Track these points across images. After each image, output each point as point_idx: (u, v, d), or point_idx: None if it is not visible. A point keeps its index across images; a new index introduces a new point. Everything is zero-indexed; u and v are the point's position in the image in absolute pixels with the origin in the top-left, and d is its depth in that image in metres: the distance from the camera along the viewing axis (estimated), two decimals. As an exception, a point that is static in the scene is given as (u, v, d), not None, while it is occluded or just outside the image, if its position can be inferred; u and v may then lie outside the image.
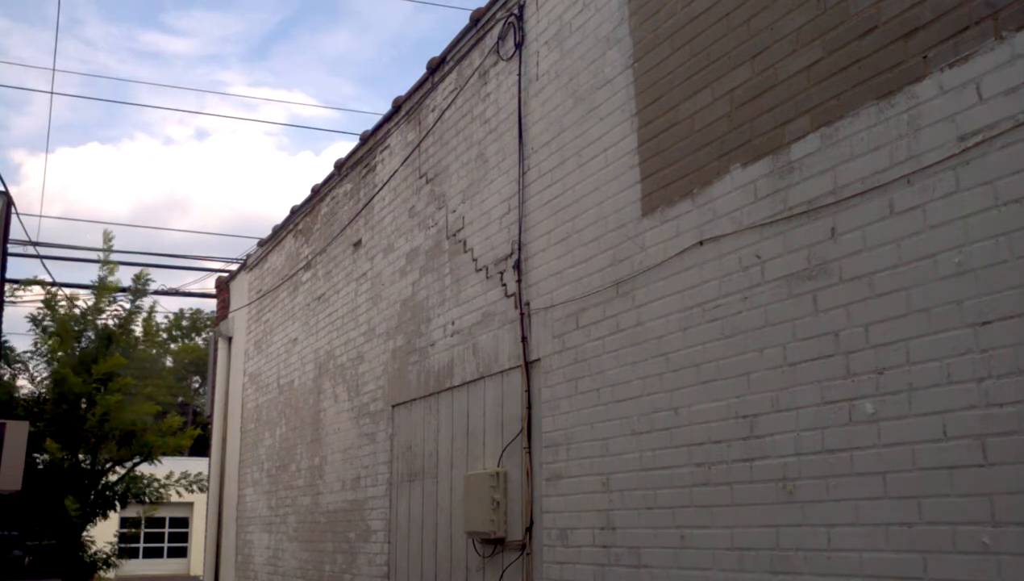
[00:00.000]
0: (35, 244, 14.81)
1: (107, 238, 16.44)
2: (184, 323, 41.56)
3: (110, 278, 16.35)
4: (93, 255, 16.56)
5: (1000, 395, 2.94)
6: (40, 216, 44.19)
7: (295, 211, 10.05)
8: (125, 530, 23.60)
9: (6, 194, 8.62)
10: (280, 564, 9.38)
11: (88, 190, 64.25)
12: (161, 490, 16.97)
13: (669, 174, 4.51)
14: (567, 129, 5.35)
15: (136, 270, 17.20)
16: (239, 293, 12.09)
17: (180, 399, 38.39)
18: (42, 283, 15.98)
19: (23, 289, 16.07)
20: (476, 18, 6.48)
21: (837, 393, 3.49)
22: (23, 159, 68.28)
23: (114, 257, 16.44)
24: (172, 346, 41.52)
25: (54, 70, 44.58)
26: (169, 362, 40.59)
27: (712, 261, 4.17)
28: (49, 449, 14.78)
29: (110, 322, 16.46)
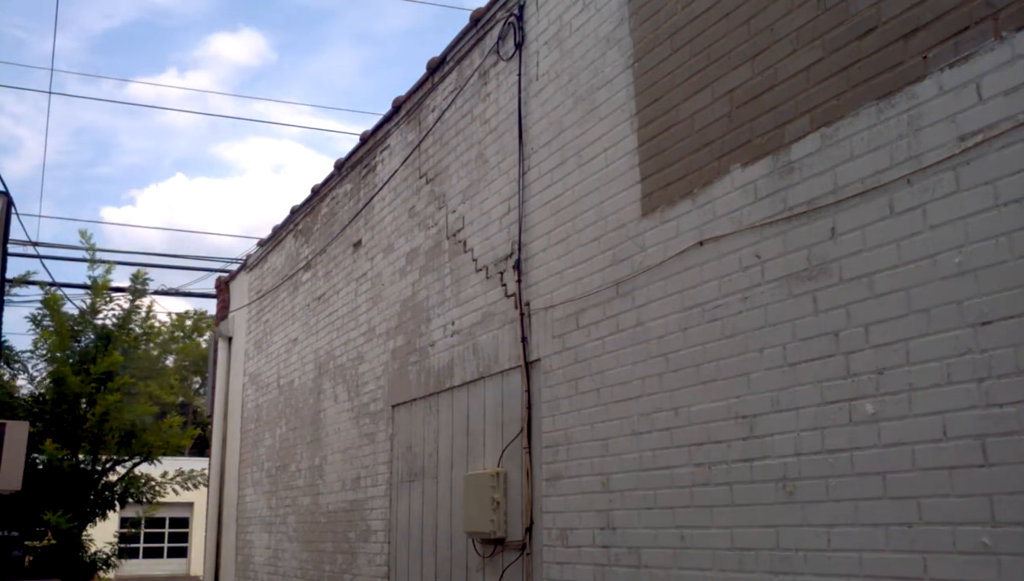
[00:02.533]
0: (35, 244, 14.82)
1: (86, 237, 16.44)
2: (188, 323, 41.53)
3: (107, 276, 16.35)
4: (96, 256, 16.56)
5: (1000, 395, 2.94)
6: (39, 216, 44.36)
7: (295, 211, 10.05)
8: (125, 530, 23.59)
9: (6, 194, 8.62)
10: (280, 564, 9.38)
11: (197, 216, 69.84)
12: (158, 488, 16.96)
13: (669, 174, 4.51)
14: (567, 129, 5.35)
15: (144, 272, 17.17)
16: (239, 293, 12.10)
17: (181, 399, 38.40)
18: (40, 284, 15.98)
19: (20, 287, 16.07)
20: (476, 18, 6.48)
21: (837, 393, 3.49)
22: (136, 193, 75.52)
23: (114, 257, 16.45)
24: (173, 346, 41.48)
25: (52, 70, 44.63)
26: (170, 362, 40.58)
27: (712, 261, 4.17)
28: (47, 450, 14.76)
29: (108, 322, 16.47)
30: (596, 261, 4.96)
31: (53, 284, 15.87)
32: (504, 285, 5.85)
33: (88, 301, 16.31)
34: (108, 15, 67.92)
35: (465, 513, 5.85)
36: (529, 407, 5.42)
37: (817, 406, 3.57)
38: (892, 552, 3.22)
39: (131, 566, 28.03)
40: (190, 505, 28.63)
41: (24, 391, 16.90)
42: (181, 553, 31.98)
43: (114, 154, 73.53)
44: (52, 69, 38.77)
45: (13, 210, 8.46)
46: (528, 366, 5.48)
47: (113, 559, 16.60)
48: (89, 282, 16.30)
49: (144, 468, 16.91)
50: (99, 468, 16.15)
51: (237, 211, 69.97)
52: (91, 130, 68.85)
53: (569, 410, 5.04)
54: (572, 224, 5.20)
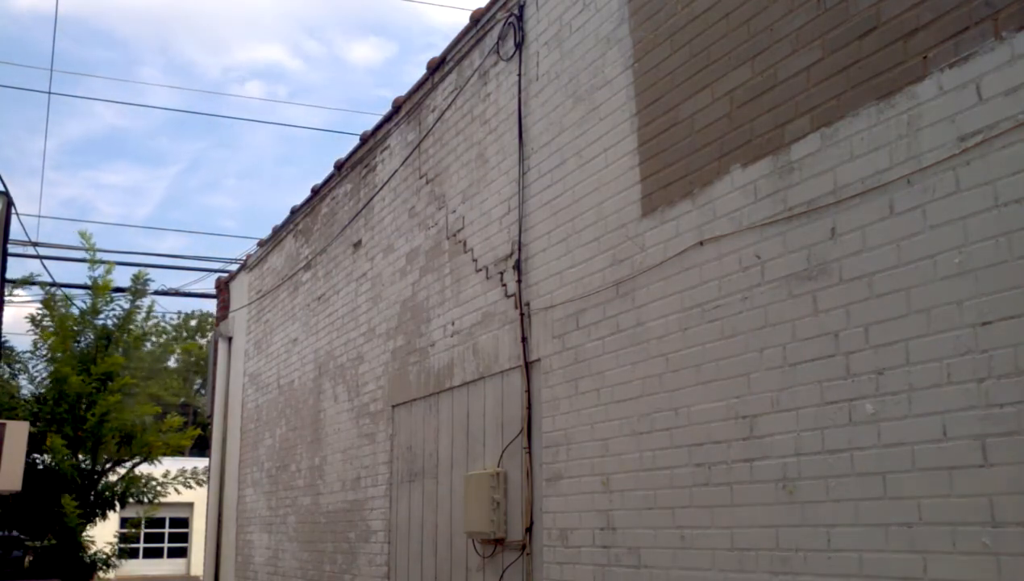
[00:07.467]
0: (35, 244, 14.82)
1: (86, 237, 16.43)
2: (192, 323, 41.57)
3: (107, 277, 16.36)
4: (91, 256, 16.55)
5: (1000, 395, 2.94)
6: (39, 216, 44.44)
7: (295, 211, 10.04)
8: (125, 530, 23.58)
9: (6, 194, 8.61)
10: (280, 564, 9.38)
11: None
12: (159, 488, 16.97)
13: (669, 174, 4.51)
14: (567, 129, 5.35)
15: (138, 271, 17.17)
16: (239, 293, 12.09)
17: (182, 400, 38.38)
18: (42, 284, 16.00)
19: (22, 288, 16.09)
20: (476, 18, 6.48)
21: (837, 393, 3.49)
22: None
23: (113, 257, 16.46)
24: (176, 346, 41.48)
25: (52, 69, 44.78)
26: (172, 362, 40.57)
27: (712, 261, 4.17)
28: (54, 446, 14.77)
29: (108, 322, 16.48)
30: (596, 261, 4.96)
31: (54, 284, 15.89)
32: (504, 285, 5.85)
33: (88, 301, 16.32)
34: (85, 124, 74.53)
35: (465, 513, 5.85)
36: (529, 407, 5.42)
37: (817, 406, 3.57)
38: (892, 552, 3.22)
39: (131, 566, 28.01)
40: (190, 505, 28.63)
41: (25, 391, 16.91)
42: (181, 553, 31.98)
43: (91, 215, 77.13)
44: (52, 68, 38.86)
45: (13, 210, 8.46)
46: (528, 366, 5.48)
47: (113, 559, 16.61)
48: (89, 282, 16.32)
49: (145, 468, 16.92)
50: (99, 468, 16.16)
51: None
52: (75, 198, 72.99)
53: (569, 410, 5.04)
54: (572, 224, 5.20)
